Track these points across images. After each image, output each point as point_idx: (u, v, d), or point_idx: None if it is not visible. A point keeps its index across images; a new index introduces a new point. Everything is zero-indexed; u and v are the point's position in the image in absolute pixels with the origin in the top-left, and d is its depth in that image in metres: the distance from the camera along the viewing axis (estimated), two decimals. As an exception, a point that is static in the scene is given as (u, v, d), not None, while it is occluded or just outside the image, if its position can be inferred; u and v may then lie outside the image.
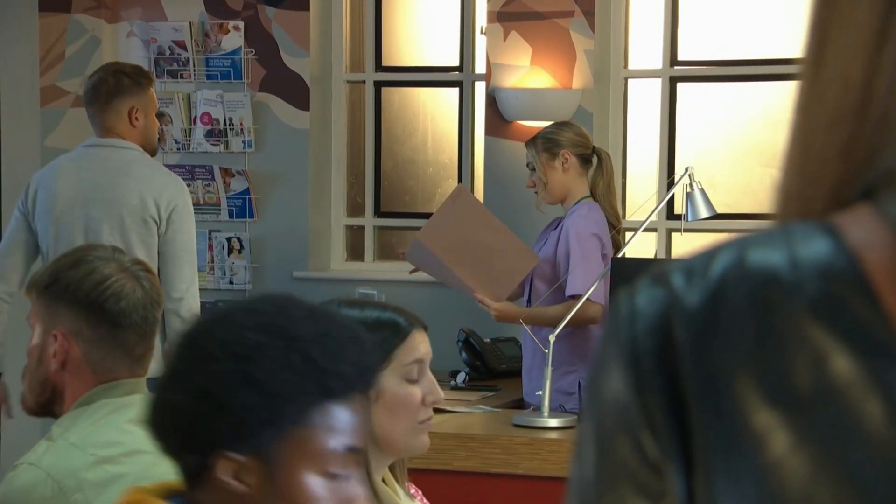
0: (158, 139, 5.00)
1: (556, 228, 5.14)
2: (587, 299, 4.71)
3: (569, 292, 4.89)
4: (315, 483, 1.71)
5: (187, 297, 4.70)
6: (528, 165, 5.13)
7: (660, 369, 0.84)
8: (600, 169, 5.09)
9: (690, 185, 4.86)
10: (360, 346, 1.74)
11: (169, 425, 1.73)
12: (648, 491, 0.85)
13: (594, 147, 5.13)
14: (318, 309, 1.76)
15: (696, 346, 0.83)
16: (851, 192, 0.85)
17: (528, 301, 5.12)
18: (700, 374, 0.82)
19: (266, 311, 1.72)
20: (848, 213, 0.83)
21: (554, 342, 4.57)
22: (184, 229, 4.76)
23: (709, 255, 0.85)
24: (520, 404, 5.10)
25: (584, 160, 5.08)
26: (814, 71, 0.87)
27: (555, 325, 4.60)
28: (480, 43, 6.39)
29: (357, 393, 1.74)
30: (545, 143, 5.05)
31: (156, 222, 4.75)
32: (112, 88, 4.78)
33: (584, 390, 0.90)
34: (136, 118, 4.78)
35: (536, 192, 5.11)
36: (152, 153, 4.90)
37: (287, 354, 1.68)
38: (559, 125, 5.17)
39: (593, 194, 5.09)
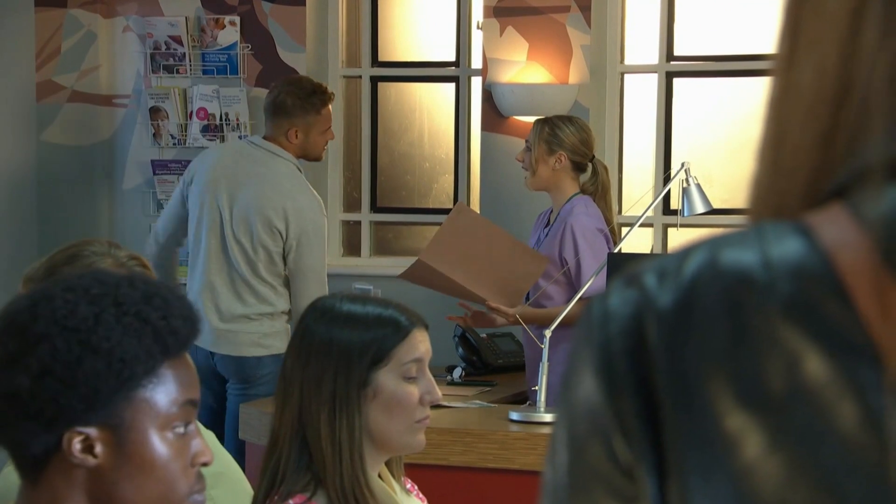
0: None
1: (547, 226, 5.14)
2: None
3: (589, 293, 4.86)
4: (163, 441, 1.73)
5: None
6: (526, 141, 5.13)
7: (632, 371, 0.83)
8: (594, 179, 5.09)
9: (687, 180, 4.85)
10: (183, 301, 1.76)
11: (13, 414, 1.70)
12: (621, 495, 0.85)
13: (593, 157, 5.11)
14: (133, 275, 1.79)
15: (669, 347, 0.82)
16: (827, 184, 0.84)
17: (528, 297, 5.12)
18: (673, 376, 0.81)
19: (84, 285, 1.72)
20: (821, 213, 0.83)
21: (564, 336, 4.56)
22: (312, 253, 5.14)
23: (681, 256, 0.84)
24: (516, 399, 5.10)
25: (579, 167, 5.08)
26: (787, 62, 0.86)
27: (572, 324, 4.60)
28: (477, 38, 6.39)
29: (190, 345, 1.77)
30: (549, 135, 5.03)
31: (282, 238, 5.12)
32: (277, 106, 5.23)
33: (558, 392, 0.90)
34: (296, 135, 5.19)
35: (525, 170, 5.12)
36: (314, 160, 5.33)
37: (122, 319, 1.69)
38: (572, 123, 5.08)
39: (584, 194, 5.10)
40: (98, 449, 1.70)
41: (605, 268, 4.62)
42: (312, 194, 5.24)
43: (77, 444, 1.70)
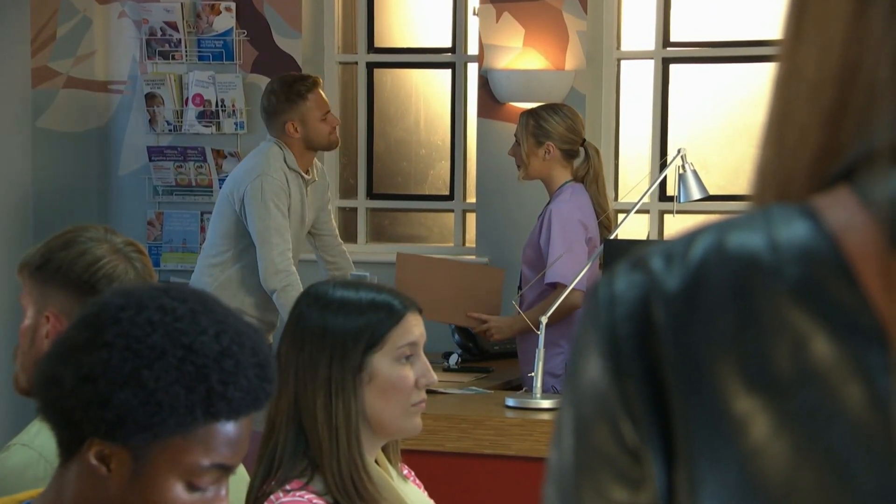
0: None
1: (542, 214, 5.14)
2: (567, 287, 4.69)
3: (549, 279, 4.89)
4: (178, 491, 1.71)
5: (262, 272, 5.22)
6: (515, 134, 5.14)
7: (639, 354, 0.83)
8: (586, 163, 5.09)
9: (683, 166, 4.85)
10: (260, 371, 1.70)
11: (50, 397, 1.71)
12: (627, 477, 0.85)
13: (584, 140, 5.11)
14: (232, 325, 1.71)
15: (676, 330, 0.82)
16: (833, 167, 0.83)
17: (520, 286, 5.13)
18: (680, 359, 0.81)
19: (178, 313, 1.68)
20: (827, 196, 0.82)
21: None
22: (251, 216, 5.22)
23: (688, 239, 0.84)
24: (512, 385, 5.11)
25: (570, 154, 5.08)
26: (793, 43, 0.86)
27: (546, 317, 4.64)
28: (473, 24, 6.38)
29: (245, 415, 1.72)
30: (536, 128, 5.03)
31: (231, 203, 5.28)
32: (265, 109, 5.37)
33: (564, 375, 0.90)
34: (296, 129, 5.29)
35: (518, 166, 5.14)
36: (325, 148, 5.42)
37: (182, 367, 1.65)
38: (556, 112, 5.09)
39: (577, 180, 5.10)
40: (112, 464, 1.70)
41: (598, 256, 4.63)
42: (256, 158, 5.30)
43: (95, 451, 1.70)
